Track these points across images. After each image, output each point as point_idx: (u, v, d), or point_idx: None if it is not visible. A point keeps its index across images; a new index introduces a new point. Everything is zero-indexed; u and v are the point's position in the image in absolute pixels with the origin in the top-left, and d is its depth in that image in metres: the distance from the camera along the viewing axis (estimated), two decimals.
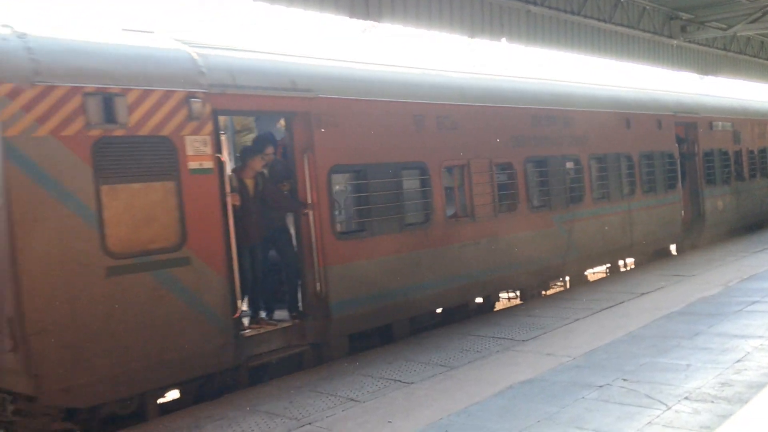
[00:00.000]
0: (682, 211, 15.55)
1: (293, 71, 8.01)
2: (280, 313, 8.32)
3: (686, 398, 5.94)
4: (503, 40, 16.24)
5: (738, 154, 18.18)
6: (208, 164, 7.04)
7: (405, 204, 9.01)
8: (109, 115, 6.34)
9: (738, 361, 6.90)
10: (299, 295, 8.20)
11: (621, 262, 14.02)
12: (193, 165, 6.92)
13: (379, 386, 7.02)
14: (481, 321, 9.74)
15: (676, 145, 15.44)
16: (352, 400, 6.64)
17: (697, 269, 12.73)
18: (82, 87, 6.20)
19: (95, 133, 6.27)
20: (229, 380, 7.38)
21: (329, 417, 6.21)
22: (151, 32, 7.58)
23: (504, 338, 8.59)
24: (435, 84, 9.80)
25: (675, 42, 21.97)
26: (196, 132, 6.94)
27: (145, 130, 6.59)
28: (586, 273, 13.13)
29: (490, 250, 10.23)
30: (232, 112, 7.79)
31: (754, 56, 27.33)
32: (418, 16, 14.12)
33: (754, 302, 9.45)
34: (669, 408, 5.75)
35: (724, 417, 5.45)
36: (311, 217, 8.01)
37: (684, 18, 21.59)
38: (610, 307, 9.98)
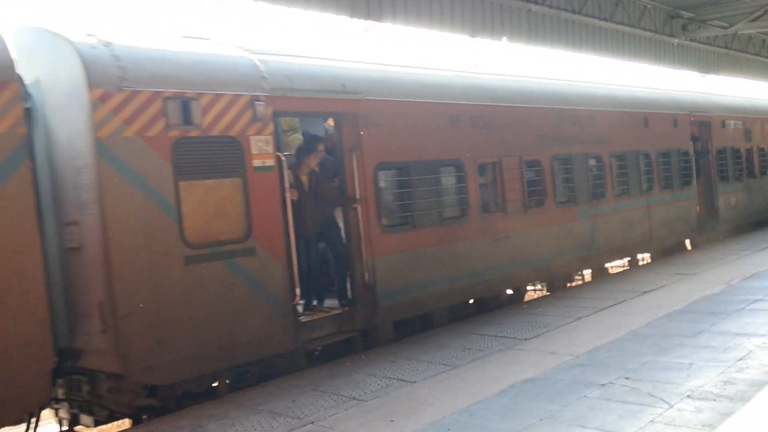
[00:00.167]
0: (697, 207, 16.10)
1: (343, 75, 8.58)
2: (330, 302, 8.88)
3: (688, 396, 5.95)
4: (504, 39, 16.30)
5: (749, 151, 18.71)
6: (270, 162, 7.61)
7: (443, 199, 9.58)
8: (186, 117, 6.91)
9: (740, 359, 6.90)
10: (348, 285, 8.75)
11: (639, 256, 14.58)
12: (257, 163, 7.49)
13: (381, 385, 7.03)
14: (483, 320, 9.79)
15: (691, 143, 15.99)
16: (355, 399, 6.67)
17: (699, 267, 12.77)
18: (163, 92, 6.77)
19: (174, 133, 6.84)
20: (288, 363, 7.94)
21: (332, 416, 6.23)
22: (208, 39, 8.15)
23: (506, 337, 8.61)
24: (468, 85, 10.37)
25: (676, 41, 21.83)
26: (259, 132, 7.51)
27: (216, 131, 7.17)
28: (606, 266, 13.68)
29: (520, 243, 10.79)
30: (290, 113, 8.35)
31: (756, 54, 27.23)
32: (418, 16, 14.14)
33: (756, 300, 9.47)
34: (671, 406, 5.75)
35: (727, 415, 5.44)
36: (359, 212, 8.57)
37: (685, 16, 21.44)
38: (613, 305, 9.99)
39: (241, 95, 7.37)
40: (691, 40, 22.73)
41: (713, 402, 5.77)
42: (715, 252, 14.73)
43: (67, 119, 6.57)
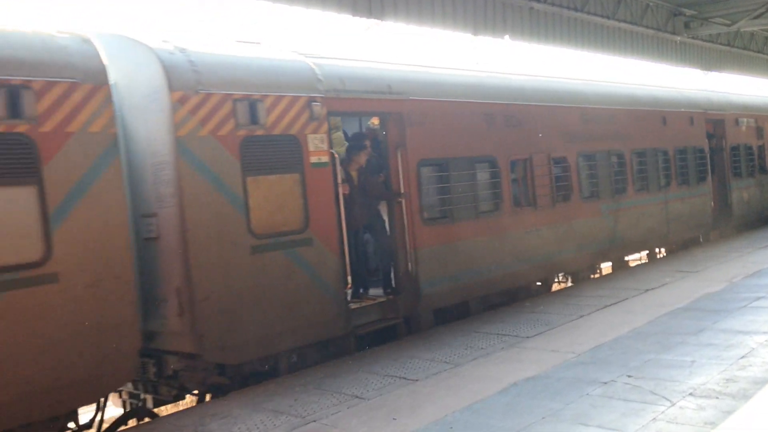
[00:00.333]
0: (712, 203, 16.64)
1: (388, 77, 9.13)
2: (374, 291, 9.45)
3: (690, 394, 5.96)
4: (506, 37, 16.32)
5: (761, 148, 19.21)
6: (325, 159, 8.17)
7: (479, 194, 10.13)
8: (253, 117, 7.48)
9: (742, 357, 6.89)
10: (392, 274, 9.31)
11: (657, 250, 15.12)
12: (313, 159, 8.05)
13: (383, 383, 7.05)
14: (485, 318, 9.82)
15: (706, 140, 16.51)
16: (357, 397, 6.68)
17: (702, 265, 12.79)
18: (232, 94, 7.33)
19: (242, 132, 7.40)
20: (340, 346, 8.51)
21: (334, 414, 6.24)
22: (259, 43, 8.71)
23: (508, 335, 8.64)
24: (501, 86, 10.92)
25: (678, 38, 21.84)
26: (315, 131, 8.07)
27: (278, 130, 7.73)
28: (626, 259, 14.23)
29: (548, 236, 11.34)
30: (342, 113, 8.89)
31: (759, 52, 27.16)
32: (420, 14, 14.13)
33: (758, 298, 9.47)
34: (673, 404, 5.76)
35: (729, 413, 5.44)
36: (403, 205, 9.13)
37: (687, 14, 21.45)
38: (615, 303, 10.01)
39: (300, 96, 7.93)
40: (693, 38, 22.69)
41: (715, 400, 5.76)
42: (717, 249, 14.84)
43: (146, 119, 7.13)
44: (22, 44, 6.01)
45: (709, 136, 16.92)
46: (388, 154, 9.20)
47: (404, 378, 7.19)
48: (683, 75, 24.81)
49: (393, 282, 9.30)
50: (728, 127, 17.57)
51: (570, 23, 18.20)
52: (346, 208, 8.44)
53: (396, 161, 9.12)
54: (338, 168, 8.41)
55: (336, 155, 8.38)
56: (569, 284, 12.63)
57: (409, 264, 9.15)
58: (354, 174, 8.88)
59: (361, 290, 9.21)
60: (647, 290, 10.79)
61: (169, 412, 8.01)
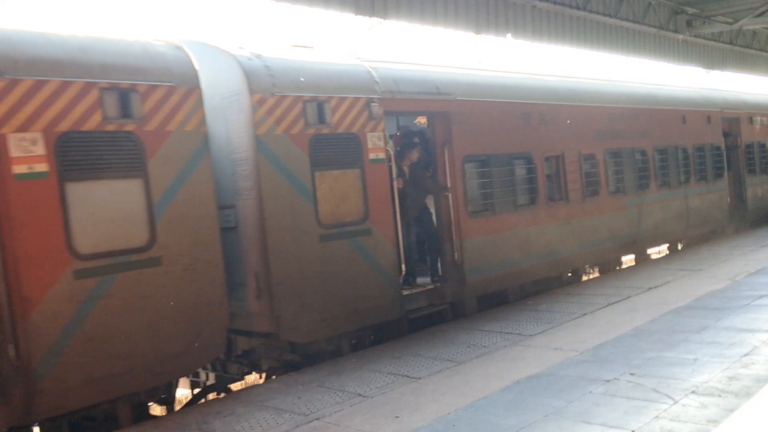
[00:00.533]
0: (728, 198, 17.28)
1: (436, 78, 9.80)
2: (421, 279, 10.12)
3: (693, 392, 5.97)
4: (509, 35, 16.32)
5: None
6: (382, 155, 8.85)
7: (517, 188, 10.80)
8: (320, 117, 8.16)
9: (745, 355, 6.91)
10: (439, 263, 9.98)
11: (678, 244, 15.76)
12: (372, 156, 8.73)
13: (386, 381, 7.08)
14: (488, 316, 9.89)
15: (723, 138, 17.16)
16: (360, 395, 6.70)
17: (704, 263, 12.83)
18: (303, 96, 8.02)
19: (311, 131, 8.08)
20: (394, 330, 9.17)
21: (337, 412, 6.27)
22: (312, 47, 9.39)
23: (511, 333, 8.69)
24: (536, 87, 11.59)
25: (681, 36, 21.88)
26: (373, 129, 8.75)
27: (341, 129, 8.41)
28: (648, 252, 14.87)
29: (578, 229, 12.01)
30: (396, 113, 9.55)
31: (761, 50, 27.06)
32: (423, 13, 14.12)
33: (761, 296, 9.52)
34: (676, 402, 5.78)
35: (731, 411, 5.44)
36: (450, 198, 9.80)
37: (689, 12, 21.45)
38: (618, 301, 10.07)
39: (360, 98, 8.61)
40: (695, 36, 22.60)
41: (718, 398, 5.79)
42: (720, 247, 14.91)
43: (226, 119, 7.81)
44: (127, 51, 6.69)
45: (725, 134, 17.56)
46: (435, 151, 9.87)
47: (407, 376, 7.20)
48: (685, 73, 25.02)
49: (440, 270, 9.96)
50: (743, 125, 18.21)
51: (572, 22, 18.17)
52: (399, 201, 9.11)
53: (443, 157, 9.79)
54: (393, 164, 9.08)
55: (391, 152, 9.05)
56: (597, 275, 13.28)
57: (455, 253, 9.82)
58: (406, 169, 9.55)
59: (410, 278, 9.87)
60: (650, 288, 10.83)
61: (240, 388, 8.67)
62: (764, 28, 24.52)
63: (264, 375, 8.82)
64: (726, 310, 8.88)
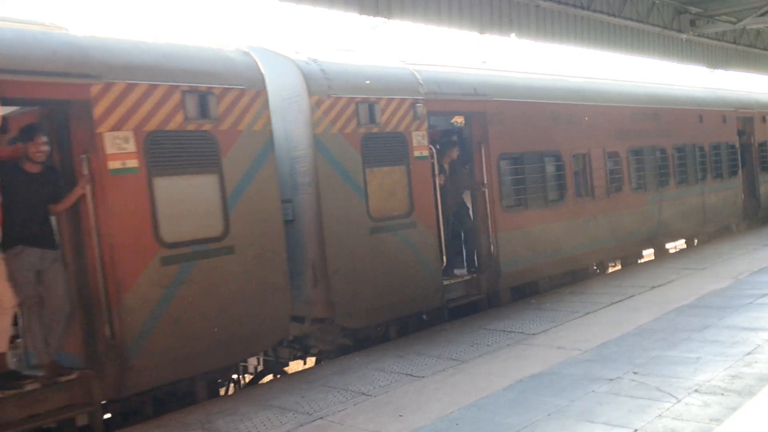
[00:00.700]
0: (742, 195, 17.81)
1: (474, 81, 10.35)
2: (458, 270, 10.66)
3: (696, 391, 5.98)
4: (512, 35, 16.29)
5: None
6: (425, 153, 9.40)
7: (548, 184, 11.34)
8: (371, 117, 8.72)
9: (748, 353, 6.92)
10: (475, 256, 10.53)
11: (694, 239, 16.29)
12: (417, 153, 9.28)
13: (390, 380, 7.10)
14: (491, 314, 9.95)
15: (737, 136, 17.68)
16: (364, 394, 6.71)
17: (707, 262, 12.85)
18: (355, 97, 8.57)
19: (362, 130, 8.64)
20: (435, 318, 9.72)
21: (341, 411, 6.27)
22: (352, 50, 9.94)
23: (514, 332, 8.72)
24: (564, 87, 12.13)
25: (684, 36, 21.72)
26: (418, 129, 9.30)
27: (389, 128, 8.96)
28: (667, 246, 15.41)
29: (603, 224, 12.55)
30: (438, 113, 10.07)
31: (765, 49, 26.85)
32: (427, 13, 14.05)
33: (763, 295, 9.54)
34: (679, 401, 5.79)
35: (734, 409, 5.44)
36: (486, 194, 10.35)
37: (693, 12, 21.31)
38: (621, 300, 10.09)
39: (406, 99, 9.16)
40: (699, 36, 22.49)
41: (721, 396, 5.80)
42: (723, 246, 14.94)
43: (285, 119, 8.35)
44: (203, 57, 7.26)
45: (739, 133, 18.07)
46: (472, 149, 10.42)
47: (410, 375, 7.24)
48: (690, 73, 24.87)
49: (476, 262, 10.51)
50: (756, 124, 18.72)
51: (576, 21, 18.07)
52: (440, 196, 9.66)
53: (480, 155, 10.34)
54: (435, 161, 9.63)
55: (434, 150, 9.60)
56: (619, 268, 13.81)
57: (491, 246, 10.37)
58: (446, 166, 10.09)
59: (448, 269, 10.40)
60: (653, 287, 10.87)
61: (294, 370, 9.22)
62: (767, 27, 24.45)
63: (314, 360, 9.38)
64: (729, 309, 8.91)
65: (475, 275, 10.44)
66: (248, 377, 9.32)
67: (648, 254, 14.97)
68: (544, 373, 6.88)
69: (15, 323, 6.31)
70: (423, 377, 7.14)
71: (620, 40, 19.94)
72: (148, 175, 6.58)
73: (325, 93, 8.28)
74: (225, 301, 7.12)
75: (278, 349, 9.26)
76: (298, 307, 8.54)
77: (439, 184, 9.66)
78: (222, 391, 8.02)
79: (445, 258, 9.68)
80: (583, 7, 17.68)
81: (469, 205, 10.61)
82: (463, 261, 10.73)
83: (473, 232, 10.51)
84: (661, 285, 11.03)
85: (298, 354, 9.24)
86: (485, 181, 10.34)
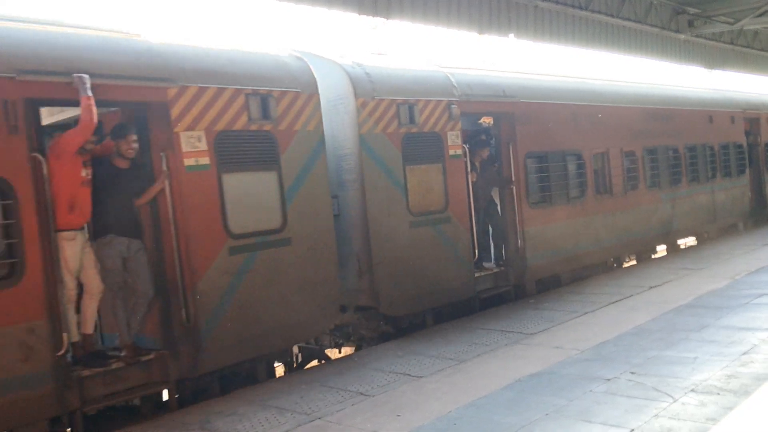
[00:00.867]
0: (750, 193, 18.40)
1: (502, 83, 10.92)
2: (487, 264, 11.21)
3: (693, 391, 6.01)
4: (511, 35, 16.31)
5: None
6: (459, 152, 9.96)
7: (570, 182, 11.91)
8: (410, 118, 9.27)
9: (744, 353, 6.95)
10: (503, 250, 11.09)
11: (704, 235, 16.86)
12: (451, 152, 9.83)
13: (388, 380, 7.11)
14: (489, 314, 9.99)
15: (744, 137, 18.27)
16: (362, 394, 6.71)
17: (705, 262, 12.93)
18: (396, 99, 9.12)
19: (403, 130, 9.20)
20: (467, 308, 10.27)
21: (339, 411, 6.28)
22: (385, 54, 10.49)
23: (512, 332, 8.75)
24: (584, 89, 12.71)
25: (682, 36, 21.77)
26: (452, 129, 9.86)
27: (426, 128, 9.51)
28: (678, 242, 15.97)
29: (621, 220, 13.12)
30: (470, 114, 10.61)
31: (762, 50, 26.90)
32: (426, 13, 14.02)
33: (761, 295, 9.61)
34: (676, 400, 5.81)
35: (730, 409, 5.47)
36: (514, 191, 10.91)
37: (691, 12, 21.38)
38: (619, 300, 10.16)
39: (442, 101, 9.72)
40: (697, 36, 22.54)
41: (717, 396, 5.83)
42: (721, 247, 15.04)
43: (331, 120, 8.88)
44: (263, 62, 7.81)
45: (746, 133, 18.67)
46: (501, 148, 10.98)
47: (409, 374, 7.26)
48: (688, 73, 24.91)
49: (504, 256, 11.07)
50: (763, 125, 19.33)
51: (575, 21, 18.06)
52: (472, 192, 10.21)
53: (508, 153, 10.91)
54: (468, 160, 10.18)
55: (467, 149, 10.15)
56: (634, 263, 14.38)
57: (519, 241, 10.93)
58: (477, 164, 10.64)
59: (478, 262, 10.96)
60: (651, 287, 10.92)
61: (336, 357, 9.75)
62: (765, 28, 24.42)
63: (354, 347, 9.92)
64: (726, 309, 8.99)
65: (502, 268, 11.00)
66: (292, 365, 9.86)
67: (661, 250, 15.54)
68: (543, 373, 6.91)
69: None
70: (421, 377, 7.15)
71: (618, 40, 19.99)
72: (218, 171, 7.13)
73: (370, 95, 8.83)
74: (283, 289, 7.67)
75: (320, 336, 9.81)
76: (345, 296, 9.08)
77: (471, 181, 10.21)
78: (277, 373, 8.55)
79: (477, 251, 10.24)
80: (581, 8, 17.66)
81: (497, 202, 11.16)
82: (490, 255, 11.29)
83: (501, 227, 11.06)
84: (659, 285, 11.10)
85: (340, 341, 9.79)
86: (513, 179, 10.90)
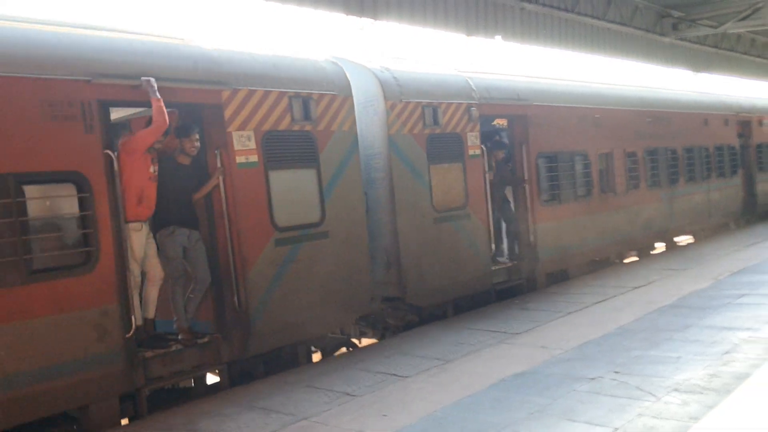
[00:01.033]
0: (742, 193, 19.17)
1: (516, 87, 11.52)
2: (500, 258, 11.80)
3: (675, 390, 6.06)
4: (498, 37, 16.28)
5: None
6: (478, 152, 10.54)
7: (577, 181, 12.54)
8: (434, 119, 9.85)
9: (726, 352, 7.05)
10: (516, 245, 11.69)
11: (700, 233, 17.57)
12: (470, 152, 10.42)
13: (375, 380, 7.10)
14: (475, 314, 10.09)
15: (737, 138, 19.02)
16: (348, 394, 6.72)
17: (689, 263, 13.09)
18: (422, 102, 9.70)
19: (427, 131, 9.77)
20: (483, 299, 10.85)
21: (325, 412, 6.28)
22: (404, 59, 11.05)
23: (498, 331, 8.79)
24: (590, 93, 13.35)
25: (667, 39, 21.87)
26: (472, 130, 10.45)
27: (448, 129, 10.09)
28: (676, 240, 16.67)
29: (623, 217, 13.77)
30: (487, 116, 11.21)
31: (744, 53, 26.93)
32: (413, 14, 14.02)
33: (742, 295, 9.74)
34: (659, 399, 5.87)
35: (711, 407, 5.54)
36: (527, 189, 11.51)
37: (675, 16, 21.50)
38: (603, 300, 10.25)
39: (462, 103, 10.30)
40: (682, 39, 22.78)
41: (699, 395, 5.88)
42: (705, 248, 15.25)
43: (362, 121, 9.42)
44: (303, 67, 8.35)
45: (739, 135, 19.43)
46: (514, 148, 11.58)
47: (395, 375, 7.27)
48: (674, 76, 25.06)
49: (517, 250, 11.67)
50: (754, 127, 20.11)
51: (561, 24, 18.09)
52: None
53: (521, 154, 11.51)
54: (485, 160, 10.77)
55: (484, 149, 10.74)
56: (636, 259, 15.04)
57: (531, 236, 11.53)
58: (493, 164, 11.23)
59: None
60: (635, 288, 11.08)
61: (363, 345, 10.29)
62: (748, 31, 24.63)
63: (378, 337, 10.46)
64: (709, 309, 9.12)
65: (515, 262, 11.59)
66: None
67: (660, 247, 16.22)
68: (527, 372, 6.98)
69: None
70: (407, 377, 7.19)
71: (604, 42, 20.03)
72: (265, 168, 7.66)
73: (398, 98, 9.40)
74: (322, 278, 8.21)
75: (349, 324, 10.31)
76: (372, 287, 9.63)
77: (489, 179, 10.80)
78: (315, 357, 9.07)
79: (494, 246, 10.83)
80: (567, 10, 17.65)
81: (510, 199, 11.76)
82: (503, 249, 11.88)
83: (515, 224, 11.66)
84: (643, 285, 11.24)
85: (365, 331, 10.33)
86: (526, 178, 11.50)
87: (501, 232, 11.88)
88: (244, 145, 7.50)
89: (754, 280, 10.72)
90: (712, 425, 5.18)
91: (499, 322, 9.41)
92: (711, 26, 22.03)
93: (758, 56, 27.41)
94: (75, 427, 6.47)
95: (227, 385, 7.47)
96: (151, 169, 6.76)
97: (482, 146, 10.66)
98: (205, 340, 7.34)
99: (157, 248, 7.04)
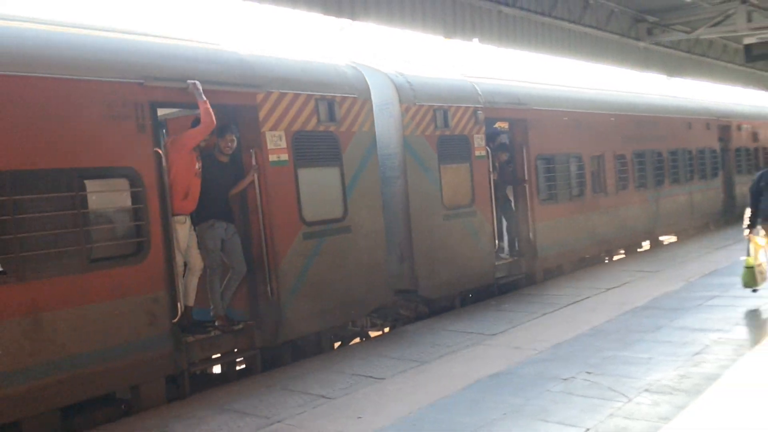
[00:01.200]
0: (722, 194, 20.05)
1: (517, 92, 12.15)
2: (501, 254, 12.42)
3: (647, 390, 6.13)
4: (475, 40, 16.34)
5: (756, 150, 22.76)
6: (483, 153, 11.15)
7: (572, 182, 13.21)
8: (444, 122, 10.42)
9: (696, 353, 7.14)
10: (516, 242, 12.31)
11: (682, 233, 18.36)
12: (477, 153, 11.02)
13: (350, 383, 7.10)
14: (452, 316, 10.23)
15: (718, 142, 19.89)
16: (323, 397, 6.70)
17: (661, 265, 13.33)
18: (433, 105, 10.27)
19: (438, 133, 10.34)
20: (486, 292, 11.45)
21: (299, 414, 6.25)
22: (411, 62, 11.63)
23: (474, 333, 8.89)
24: (583, 98, 14.05)
25: (642, 44, 22.24)
26: (478, 132, 11.04)
27: (457, 131, 10.68)
28: (661, 238, 17.44)
29: (613, 217, 14.48)
30: (491, 119, 11.82)
31: (716, 59, 27.68)
32: (391, 15, 14.00)
33: (713, 297, 9.92)
34: (630, 400, 5.93)
35: (682, 408, 5.64)
36: (527, 189, 12.14)
37: (650, 21, 21.94)
38: (577, 302, 10.37)
39: (469, 107, 10.89)
40: (656, 44, 23.19)
41: (670, 395, 5.96)
42: (678, 250, 15.54)
43: (378, 123, 9.91)
44: (327, 71, 8.87)
45: (719, 139, 20.30)
46: (515, 150, 12.21)
47: (371, 377, 7.26)
48: (648, 80, 25.40)
49: (517, 247, 12.30)
50: (733, 131, 21.02)
51: (538, 27, 18.28)
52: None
53: (521, 155, 12.14)
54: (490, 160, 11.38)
55: (489, 150, 11.35)
56: (623, 256, 15.77)
57: (530, 233, 12.17)
58: (497, 165, 11.85)
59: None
60: (608, 289, 11.22)
61: (375, 335, 10.81)
62: (720, 37, 25.16)
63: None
64: (680, 311, 9.25)
65: (516, 258, 12.22)
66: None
67: (646, 245, 16.98)
68: (502, 373, 7.05)
69: None
70: (383, 379, 7.20)
71: (580, 46, 20.11)
72: (294, 166, 8.17)
73: (412, 101, 9.96)
74: (344, 270, 8.74)
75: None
76: (396, 281, 10.16)
77: (494, 179, 11.41)
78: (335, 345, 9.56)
79: (497, 242, 11.44)
80: (544, 14, 17.83)
81: (510, 199, 12.39)
82: (504, 246, 12.50)
83: (515, 221, 12.29)
84: (615, 287, 11.41)
85: (378, 322, 10.86)
86: (526, 178, 12.13)
87: (502, 230, 12.52)
88: (276, 145, 8.00)
89: (724, 282, 10.90)
90: (683, 426, 5.31)
91: (476, 323, 9.54)
92: (684, 31, 22.57)
93: (729, 62, 28.24)
94: (123, 407, 6.92)
95: (260, 369, 7.97)
96: (197, 166, 7.23)
97: (487, 147, 11.26)
98: (240, 326, 7.83)
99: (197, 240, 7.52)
